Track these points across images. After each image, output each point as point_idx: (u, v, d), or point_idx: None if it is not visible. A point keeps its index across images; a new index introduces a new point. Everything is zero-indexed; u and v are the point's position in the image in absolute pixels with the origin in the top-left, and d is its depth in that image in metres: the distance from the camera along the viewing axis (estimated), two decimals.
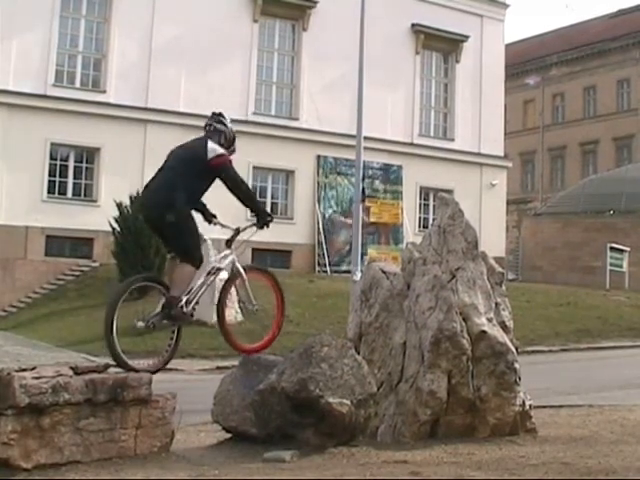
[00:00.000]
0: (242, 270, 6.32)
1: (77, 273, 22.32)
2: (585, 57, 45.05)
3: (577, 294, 22.54)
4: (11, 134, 22.00)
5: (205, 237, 19.20)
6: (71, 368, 5.25)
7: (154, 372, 5.86)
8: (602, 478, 4.66)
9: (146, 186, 6.20)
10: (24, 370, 5.05)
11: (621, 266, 26.63)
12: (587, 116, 45.65)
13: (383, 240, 27.45)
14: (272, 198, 26.30)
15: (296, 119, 26.69)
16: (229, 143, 6.32)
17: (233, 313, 16.16)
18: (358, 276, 13.61)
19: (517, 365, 6.11)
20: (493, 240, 26.47)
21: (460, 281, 6.25)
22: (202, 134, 6.36)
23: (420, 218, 28.85)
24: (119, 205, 19.80)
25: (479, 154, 30.10)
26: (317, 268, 25.65)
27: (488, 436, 5.96)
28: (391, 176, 27.98)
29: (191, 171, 6.01)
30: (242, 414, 6.03)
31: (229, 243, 6.40)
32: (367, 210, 25.27)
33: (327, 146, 26.38)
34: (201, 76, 24.69)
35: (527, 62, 46.83)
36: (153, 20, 24.25)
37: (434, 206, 27.26)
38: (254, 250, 23.30)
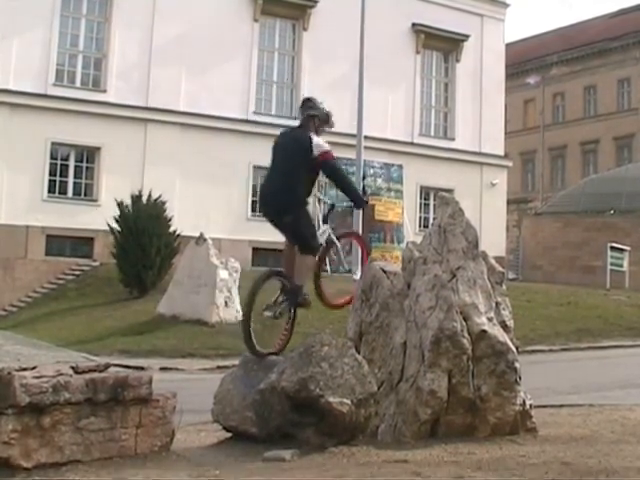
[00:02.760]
0: (335, 239, 6.98)
1: (77, 273, 22.30)
2: (585, 56, 45.03)
3: (577, 294, 22.48)
4: (12, 133, 22.00)
5: (206, 237, 19.23)
6: (71, 367, 5.24)
7: (277, 353, 6.45)
8: (603, 478, 4.65)
9: (263, 187, 6.71)
10: (24, 369, 5.04)
11: (621, 265, 26.58)
12: (587, 115, 45.63)
13: (388, 238, 27.38)
14: None
15: (296, 119, 26.67)
16: (325, 122, 6.77)
17: (234, 313, 16.21)
18: (359, 275, 13.57)
19: (517, 364, 6.10)
20: (493, 239, 26.46)
21: (460, 280, 6.23)
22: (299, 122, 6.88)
23: (420, 217, 28.84)
24: (120, 204, 19.76)
25: (479, 153, 30.09)
26: None
27: (488, 435, 5.94)
28: (393, 174, 27.95)
29: (302, 169, 6.43)
30: (242, 413, 6.03)
31: (325, 219, 6.98)
32: (372, 208, 25.17)
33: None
34: (201, 76, 24.68)
35: (527, 62, 46.79)
36: (153, 20, 24.25)
37: (434, 205, 27.23)
38: (254, 250, 23.34)
